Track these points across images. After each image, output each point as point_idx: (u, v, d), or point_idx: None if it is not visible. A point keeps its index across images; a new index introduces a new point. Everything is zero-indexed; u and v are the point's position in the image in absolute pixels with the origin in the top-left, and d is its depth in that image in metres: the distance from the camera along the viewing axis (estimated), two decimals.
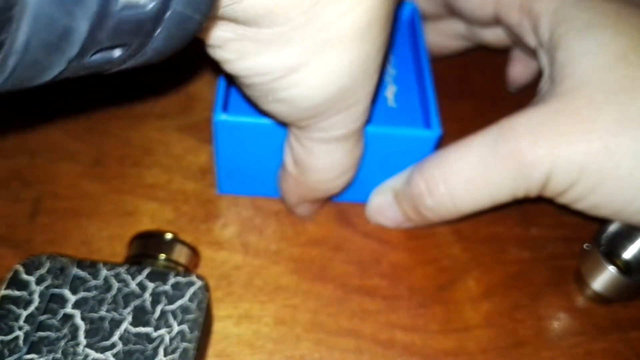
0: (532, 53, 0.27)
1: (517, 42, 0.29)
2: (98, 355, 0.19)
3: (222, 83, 0.25)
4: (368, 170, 0.26)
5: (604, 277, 0.25)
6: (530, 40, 0.26)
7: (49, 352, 0.19)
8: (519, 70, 0.32)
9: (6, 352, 0.19)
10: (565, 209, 0.24)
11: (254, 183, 0.27)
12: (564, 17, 0.24)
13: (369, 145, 0.25)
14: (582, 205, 0.23)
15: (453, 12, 0.31)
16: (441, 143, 0.26)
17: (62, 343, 0.19)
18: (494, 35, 0.31)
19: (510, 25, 0.27)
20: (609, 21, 0.23)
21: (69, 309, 0.20)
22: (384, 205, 0.27)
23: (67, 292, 0.20)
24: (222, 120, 0.24)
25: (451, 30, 0.33)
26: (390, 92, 0.27)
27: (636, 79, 0.21)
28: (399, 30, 0.30)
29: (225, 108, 0.25)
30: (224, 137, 0.25)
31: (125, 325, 0.20)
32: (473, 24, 0.31)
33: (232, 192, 0.28)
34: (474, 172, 0.23)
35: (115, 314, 0.20)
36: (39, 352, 0.19)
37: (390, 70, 0.28)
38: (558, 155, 0.21)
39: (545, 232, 0.29)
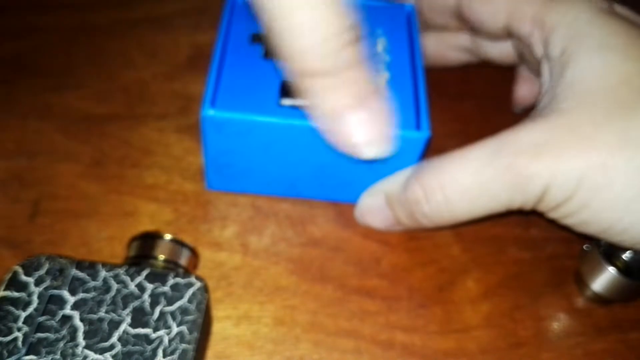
0: (538, 67, 0.27)
1: (525, 56, 0.29)
2: (97, 356, 0.19)
3: (212, 76, 0.25)
4: (359, 170, 0.26)
5: (604, 278, 0.25)
6: (538, 51, 0.26)
7: (48, 353, 0.19)
8: (525, 90, 0.32)
9: (5, 353, 0.19)
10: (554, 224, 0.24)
11: (244, 180, 0.27)
12: (576, 33, 0.24)
13: None
14: (571, 221, 0.23)
15: (461, 23, 0.30)
16: (441, 143, 0.26)
17: (61, 344, 0.19)
18: (499, 51, 0.31)
19: (520, 36, 0.27)
20: (619, 43, 0.23)
21: (67, 310, 0.20)
22: (374, 207, 0.27)
23: (66, 293, 0.20)
24: (210, 116, 0.24)
25: (455, 42, 0.32)
26: (382, 79, 0.26)
27: (636, 102, 0.22)
28: (396, 23, 0.30)
29: (213, 102, 0.24)
30: (212, 133, 0.25)
31: (124, 326, 0.20)
32: (480, 36, 0.31)
33: (222, 189, 0.28)
34: (471, 182, 0.23)
35: (114, 315, 0.20)
36: (37, 354, 0.19)
37: (384, 57, 0.28)
38: (556, 170, 0.22)
39: (544, 232, 0.29)
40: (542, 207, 0.23)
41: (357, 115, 0.22)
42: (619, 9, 0.26)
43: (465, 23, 0.30)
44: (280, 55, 0.21)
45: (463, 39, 0.32)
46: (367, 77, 0.22)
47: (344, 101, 0.21)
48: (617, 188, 0.21)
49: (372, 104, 0.22)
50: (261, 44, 0.27)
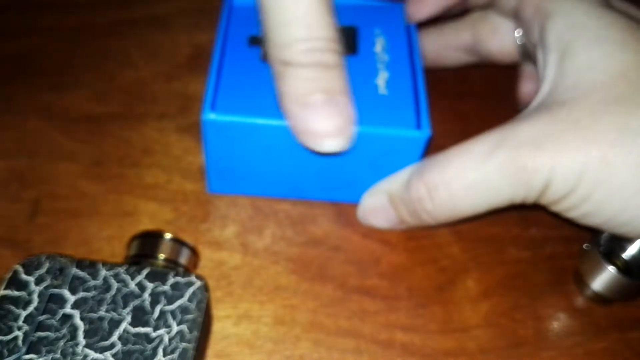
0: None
1: (527, 47, 0.29)
2: (97, 355, 0.19)
3: (211, 79, 0.25)
4: (360, 170, 0.26)
5: (604, 277, 0.25)
6: (535, 37, 0.26)
7: (48, 352, 0.19)
8: (529, 88, 0.32)
9: (5, 352, 0.19)
10: (557, 216, 0.24)
11: (245, 182, 0.27)
12: (573, 23, 0.24)
13: (358, 144, 0.25)
14: (573, 214, 0.23)
15: (474, 55, 0.32)
16: (442, 143, 0.26)
17: (61, 343, 0.19)
18: (499, 47, 0.31)
19: (523, 19, 0.27)
20: (617, 35, 0.23)
21: (68, 309, 0.20)
22: (377, 207, 0.27)
23: (66, 292, 0.20)
24: (211, 120, 0.24)
25: (455, 42, 0.33)
26: (381, 79, 0.26)
27: (634, 95, 0.22)
28: (395, 23, 0.30)
29: (214, 105, 0.24)
30: (213, 136, 0.25)
31: (124, 325, 0.20)
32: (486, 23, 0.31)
33: (223, 192, 0.28)
34: (474, 178, 0.23)
35: (114, 314, 0.20)
36: (38, 352, 0.19)
37: (383, 56, 0.28)
38: (557, 164, 0.22)
39: (544, 232, 0.29)
40: (544, 201, 0.23)
41: (324, 106, 0.22)
42: (616, 2, 0.26)
43: (479, 53, 0.32)
44: (266, 42, 0.23)
45: (463, 38, 0.32)
46: (341, 80, 0.23)
47: (314, 93, 0.22)
48: (616, 182, 0.21)
49: (340, 99, 0.23)
50: (260, 46, 0.27)
